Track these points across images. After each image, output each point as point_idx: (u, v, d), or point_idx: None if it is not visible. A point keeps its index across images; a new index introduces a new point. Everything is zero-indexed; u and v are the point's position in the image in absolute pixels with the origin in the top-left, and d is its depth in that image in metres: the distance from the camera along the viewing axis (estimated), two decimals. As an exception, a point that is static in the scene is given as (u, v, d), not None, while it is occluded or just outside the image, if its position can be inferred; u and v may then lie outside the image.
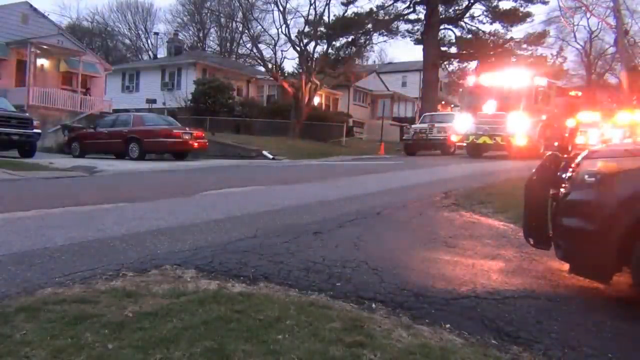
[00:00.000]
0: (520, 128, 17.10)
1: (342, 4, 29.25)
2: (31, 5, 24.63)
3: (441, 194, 7.53)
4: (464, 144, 18.95)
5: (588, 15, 35.94)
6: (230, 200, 7.16)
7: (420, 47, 31.36)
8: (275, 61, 28.25)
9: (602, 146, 3.72)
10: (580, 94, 22.72)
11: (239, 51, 47.17)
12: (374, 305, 2.94)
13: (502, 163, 15.01)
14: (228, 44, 49.77)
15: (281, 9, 26.26)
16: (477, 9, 30.92)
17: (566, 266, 3.38)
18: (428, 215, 6.02)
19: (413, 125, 24.71)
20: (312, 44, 27.58)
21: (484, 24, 31.06)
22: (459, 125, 19.05)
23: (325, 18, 27.62)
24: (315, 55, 27.93)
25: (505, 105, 17.43)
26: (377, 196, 7.62)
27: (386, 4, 30.60)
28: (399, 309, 2.90)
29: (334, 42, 29.41)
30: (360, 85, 38.69)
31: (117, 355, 2.11)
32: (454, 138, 19.46)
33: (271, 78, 29.61)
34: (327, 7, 26.96)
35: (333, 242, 4.37)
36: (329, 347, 2.26)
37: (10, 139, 14.63)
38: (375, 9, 30.01)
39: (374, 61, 44.73)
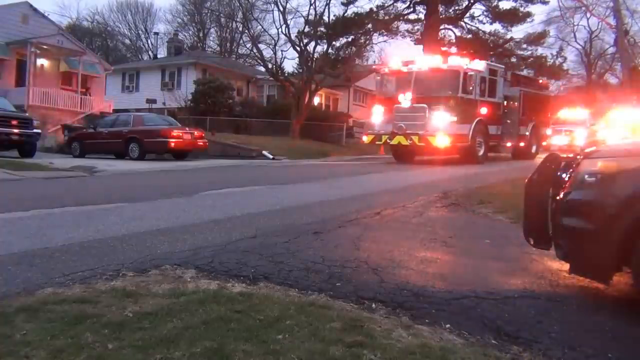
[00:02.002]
0: (442, 124, 13.50)
1: (342, 4, 29.26)
2: (31, 5, 24.63)
3: (441, 194, 7.53)
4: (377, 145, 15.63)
5: (588, 15, 35.95)
6: (230, 200, 7.15)
7: (420, 47, 31.34)
8: (275, 61, 28.19)
9: (595, 147, 3.70)
10: (544, 79, 19.88)
11: (239, 51, 47.23)
12: (374, 305, 2.94)
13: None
14: (228, 44, 49.73)
15: (281, 9, 26.20)
16: (477, 9, 31.00)
17: (566, 266, 3.37)
18: (428, 215, 6.01)
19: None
20: (312, 44, 27.53)
21: (484, 24, 31.13)
22: (373, 121, 15.44)
23: (325, 18, 27.57)
24: (315, 55, 27.93)
25: (427, 95, 13.92)
26: (377, 196, 7.62)
27: (386, 4, 30.63)
28: (399, 309, 2.90)
29: (334, 42, 29.37)
30: (360, 85, 38.61)
31: (117, 355, 2.11)
32: (365, 139, 15.98)
33: (271, 78, 29.57)
34: (327, 7, 26.89)
35: (333, 242, 4.37)
36: (329, 347, 2.26)
37: (10, 139, 14.64)
38: (375, 9, 30.02)
39: (374, 61, 44.69)
